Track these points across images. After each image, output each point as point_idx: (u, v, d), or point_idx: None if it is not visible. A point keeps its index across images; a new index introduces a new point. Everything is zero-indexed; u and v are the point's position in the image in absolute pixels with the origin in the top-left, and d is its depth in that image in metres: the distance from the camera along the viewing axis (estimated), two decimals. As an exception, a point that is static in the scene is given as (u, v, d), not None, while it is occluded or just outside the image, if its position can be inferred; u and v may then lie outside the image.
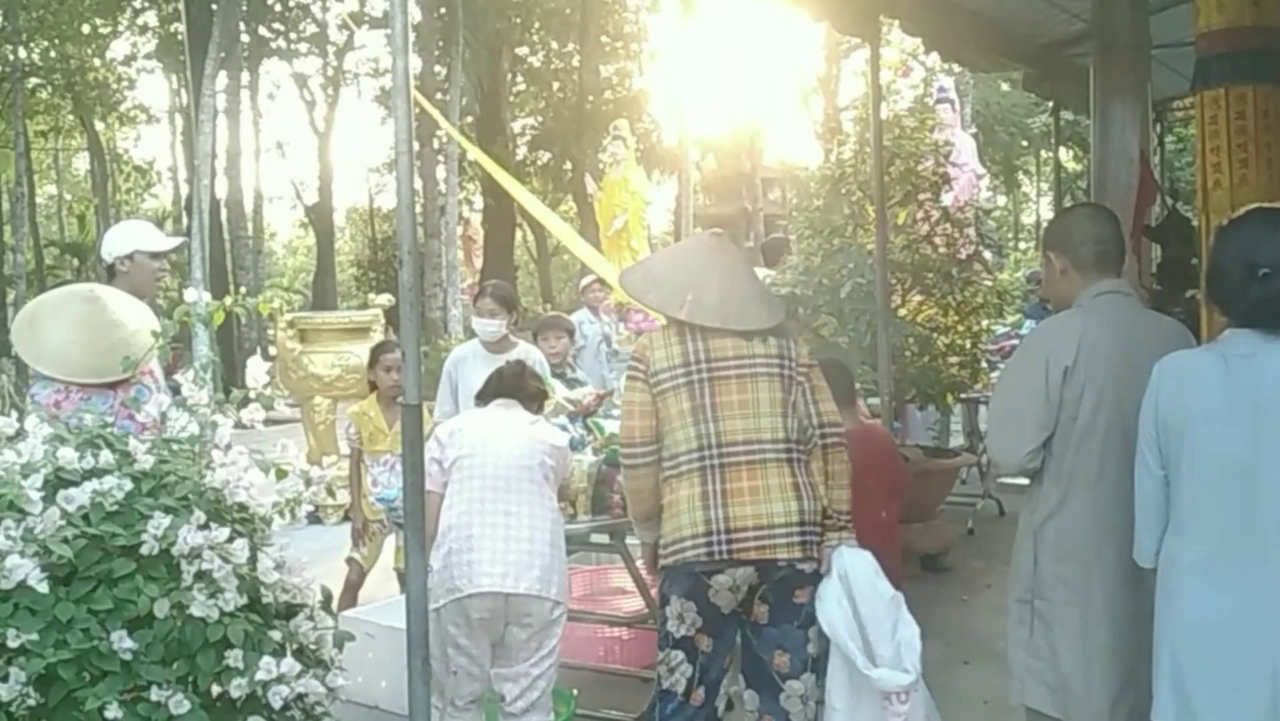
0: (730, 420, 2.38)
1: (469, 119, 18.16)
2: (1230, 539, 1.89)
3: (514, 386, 3.02)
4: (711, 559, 2.34)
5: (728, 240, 2.75)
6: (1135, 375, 2.22)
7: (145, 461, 2.04)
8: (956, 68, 6.92)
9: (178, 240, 3.50)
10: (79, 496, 1.92)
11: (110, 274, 3.29)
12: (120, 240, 3.30)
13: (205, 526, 1.99)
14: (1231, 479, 1.89)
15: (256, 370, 2.12)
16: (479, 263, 17.68)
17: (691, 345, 2.42)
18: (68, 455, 1.95)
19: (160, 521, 1.95)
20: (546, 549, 2.76)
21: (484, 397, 3.05)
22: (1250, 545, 1.87)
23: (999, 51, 5.23)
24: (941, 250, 5.35)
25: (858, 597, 2.35)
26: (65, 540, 1.88)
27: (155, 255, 3.27)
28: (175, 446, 2.15)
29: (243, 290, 14.90)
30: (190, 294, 2.26)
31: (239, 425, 2.24)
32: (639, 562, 2.75)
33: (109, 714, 1.86)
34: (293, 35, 20.29)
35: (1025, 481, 2.49)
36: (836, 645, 2.34)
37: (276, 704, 2.03)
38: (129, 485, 1.99)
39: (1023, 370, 2.40)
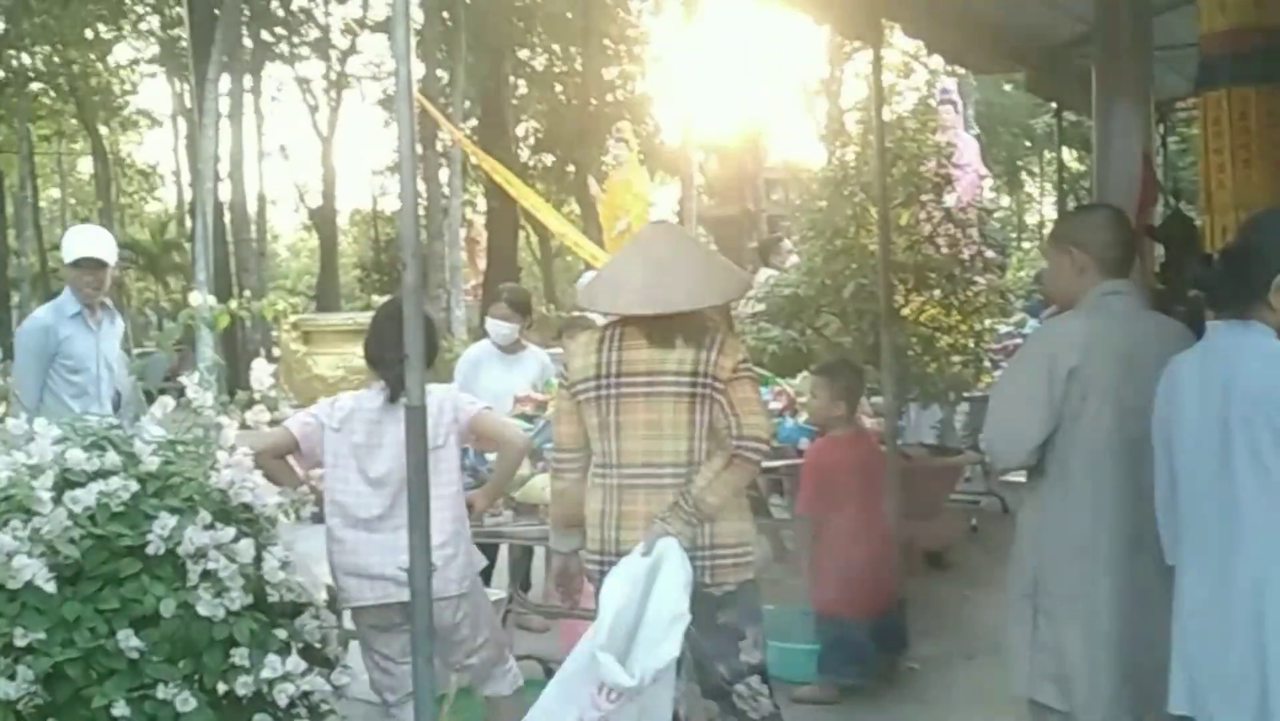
0: (633, 440, 2.30)
1: (472, 121, 18.19)
2: (1211, 529, 1.93)
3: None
4: (603, 577, 2.31)
5: (667, 224, 2.63)
6: (1138, 375, 2.24)
7: (151, 463, 2.05)
8: (959, 70, 6.93)
9: (84, 254, 3.52)
10: (85, 497, 1.94)
11: None
12: (63, 250, 3.65)
13: (211, 526, 2.01)
14: (1209, 470, 1.92)
15: (261, 373, 2.13)
16: (482, 264, 17.70)
17: (605, 355, 2.33)
18: (76, 456, 1.97)
19: (166, 522, 1.96)
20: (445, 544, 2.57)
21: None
22: (1228, 533, 1.90)
23: (1001, 54, 5.22)
24: (944, 251, 5.35)
25: (655, 594, 2.21)
26: (72, 540, 1.90)
27: (73, 264, 3.49)
28: (181, 448, 2.16)
29: (246, 293, 14.92)
30: (194, 297, 2.27)
31: (243, 426, 2.25)
32: (555, 573, 2.62)
33: (116, 711, 1.88)
34: (295, 39, 20.36)
35: (1024, 478, 2.50)
36: (600, 613, 2.22)
37: (282, 701, 2.05)
38: (135, 486, 2.01)
39: (1027, 369, 2.40)
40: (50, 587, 1.86)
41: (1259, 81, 3.35)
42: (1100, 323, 2.32)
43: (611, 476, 2.34)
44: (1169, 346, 2.28)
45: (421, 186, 14.44)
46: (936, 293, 5.36)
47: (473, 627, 2.73)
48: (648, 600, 2.21)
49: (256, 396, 2.17)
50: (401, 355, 2.56)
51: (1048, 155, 23.05)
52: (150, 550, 1.96)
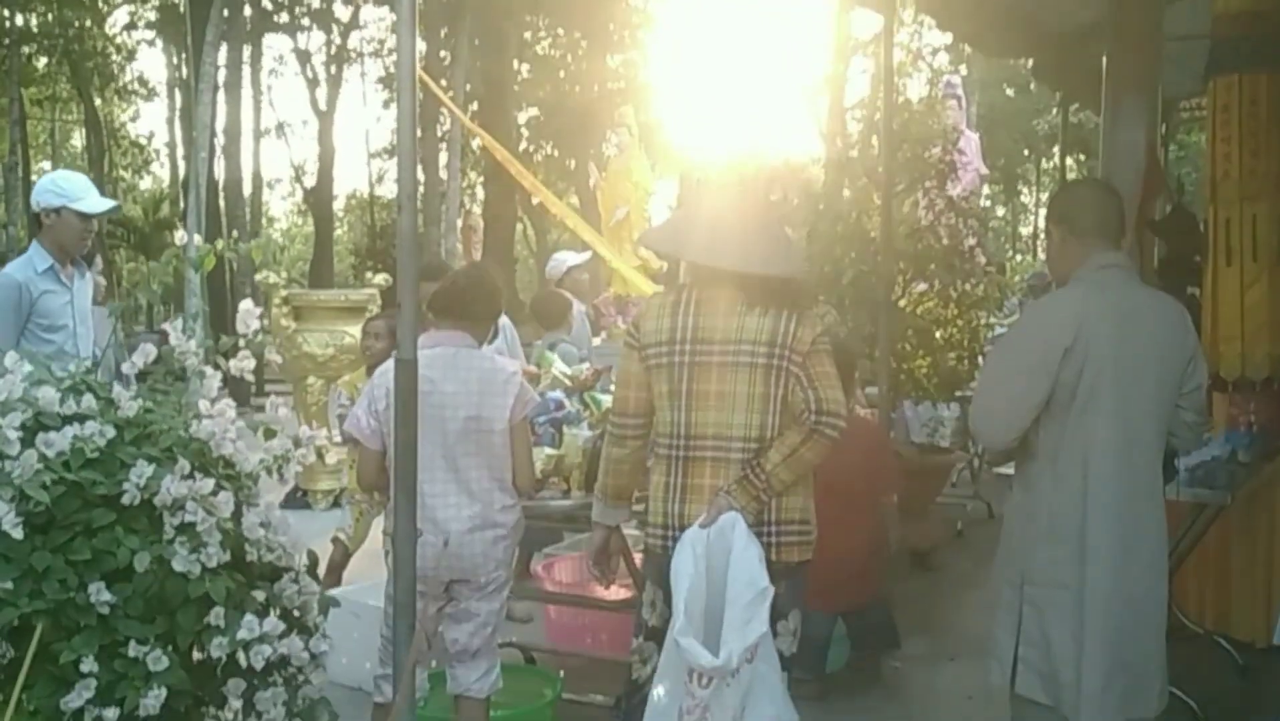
0: (704, 410, 2.22)
1: (474, 105, 18.06)
2: None
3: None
4: (666, 552, 2.24)
5: (748, 188, 2.54)
6: (1133, 353, 2.20)
7: (129, 408, 1.98)
8: (964, 70, 6.88)
9: (109, 204, 3.53)
10: (59, 441, 1.86)
11: (37, 223, 3.42)
12: (51, 193, 3.37)
13: (189, 476, 1.94)
14: None
15: (249, 315, 2.05)
16: (478, 254, 17.60)
17: (681, 319, 2.24)
18: (48, 395, 1.89)
19: (143, 470, 1.89)
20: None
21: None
22: None
23: (1012, 38, 5.16)
24: (945, 241, 5.31)
25: (734, 571, 2.11)
26: (43, 486, 1.82)
27: (83, 216, 3.35)
28: (160, 396, 2.09)
29: (234, 233, 14.77)
30: (180, 236, 2.19)
31: (227, 377, 2.17)
32: (594, 549, 2.51)
33: (84, 668, 1.81)
34: (297, 9, 20.17)
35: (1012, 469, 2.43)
36: (673, 600, 2.13)
37: (258, 664, 1.97)
38: (111, 432, 1.92)
39: (1019, 349, 2.34)
40: (18, 534, 1.78)
41: (1272, 68, 3.30)
42: (1094, 298, 2.25)
43: (678, 448, 2.25)
44: (1164, 323, 2.25)
45: (420, 173, 14.32)
46: (935, 283, 5.33)
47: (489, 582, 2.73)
48: (726, 579, 2.11)
49: (241, 342, 2.08)
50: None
51: (1045, 164, 23.09)
52: (125, 500, 1.88)
